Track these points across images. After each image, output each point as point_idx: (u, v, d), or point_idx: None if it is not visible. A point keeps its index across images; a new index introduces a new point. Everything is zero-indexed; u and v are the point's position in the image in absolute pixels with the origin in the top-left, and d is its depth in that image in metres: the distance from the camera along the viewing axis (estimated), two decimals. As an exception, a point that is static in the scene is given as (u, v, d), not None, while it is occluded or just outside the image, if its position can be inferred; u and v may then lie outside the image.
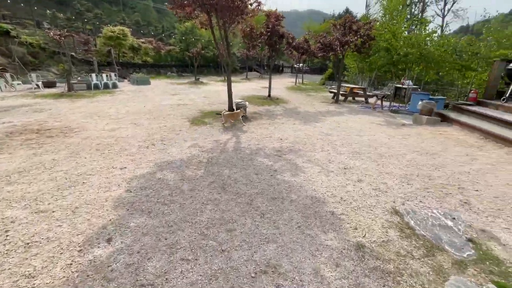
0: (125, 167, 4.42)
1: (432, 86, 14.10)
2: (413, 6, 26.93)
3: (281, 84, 23.44)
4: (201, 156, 5.06)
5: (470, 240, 2.78)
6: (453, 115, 7.98)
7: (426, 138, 6.54)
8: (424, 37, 9.12)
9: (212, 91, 15.81)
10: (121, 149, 5.30)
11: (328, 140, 6.23)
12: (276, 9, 11.97)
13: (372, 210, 3.32)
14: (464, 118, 7.50)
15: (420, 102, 8.10)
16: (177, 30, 30.95)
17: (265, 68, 41.49)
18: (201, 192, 3.67)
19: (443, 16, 27.32)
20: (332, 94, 14.80)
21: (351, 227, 2.97)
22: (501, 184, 4.11)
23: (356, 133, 7.02)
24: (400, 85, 14.26)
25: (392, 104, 11.33)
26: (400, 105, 11.84)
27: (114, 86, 15.71)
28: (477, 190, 3.90)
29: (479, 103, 8.26)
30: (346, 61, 22.90)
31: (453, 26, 60.70)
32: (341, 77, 12.15)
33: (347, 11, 52.29)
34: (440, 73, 10.71)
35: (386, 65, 10.20)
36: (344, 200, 3.55)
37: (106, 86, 15.21)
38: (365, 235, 2.83)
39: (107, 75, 16.01)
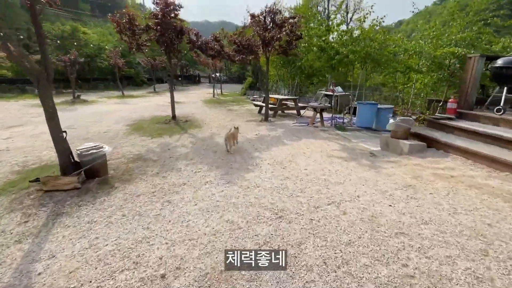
0: None
1: (365, 92, 12.62)
2: (319, 15, 27.26)
3: (197, 97, 19.34)
4: None
5: None
6: (438, 135, 5.60)
7: (446, 194, 3.68)
8: (369, 32, 6.88)
9: (86, 116, 10.45)
10: None
11: (283, 239, 2.64)
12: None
13: None
14: (460, 142, 5.13)
15: (391, 121, 5.51)
16: (48, 33, 22.96)
17: (179, 79, 36.46)
18: None
19: (347, 24, 28.69)
20: (257, 108, 11.67)
21: None
22: None
23: (329, 194, 3.67)
24: (330, 93, 12.28)
25: (333, 117, 8.81)
26: (338, 116, 9.53)
27: None
28: None
29: (460, 116, 6.26)
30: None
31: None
32: (265, 87, 9.01)
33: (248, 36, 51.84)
34: (381, 76, 8.86)
35: (325, 68, 7.58)
36: None
37: None
38: None
39: None
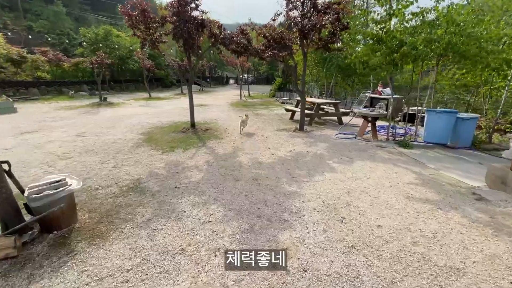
0: None
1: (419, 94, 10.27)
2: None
3: (224, 99, 18.10)
4: None
5: None
6: None
7: None
8: (457, 13, 4.78)
9: (105, 120, 9.54)
10: None
11: None
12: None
13: None
14: None
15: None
16: (84, 37, 23.33)
17: (208, 80, 35.88)
18: None
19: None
20: (289, 113, 9.94)
21: None
22: None
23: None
24: (377, 95, 10.13)
25: (392, 127, 6.75)
26: (396, 126, 7.42)
27: None
28: None
29: None
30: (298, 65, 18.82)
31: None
32: (301, 89, 7.24)
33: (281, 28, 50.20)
34: (457, 75, 6.59)
35: (383, 65, 5.61)
36: None
37: None
38: None
39: None
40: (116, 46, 24.44)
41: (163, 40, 7.25)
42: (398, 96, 9.49)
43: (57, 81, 22.52)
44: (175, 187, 3.80)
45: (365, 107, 10.28)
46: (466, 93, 8.07)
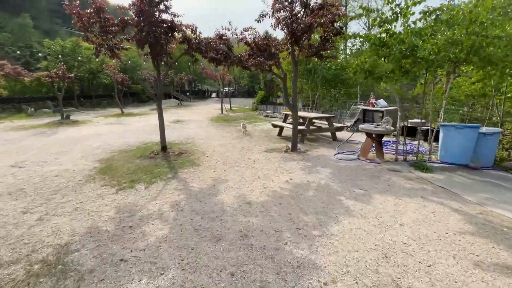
0: None
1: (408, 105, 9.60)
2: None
3: (204, 114, 16.74)
4: None
5: None
6: None
7: None
8: (482, 9, 3.94)
9: (59, 143, 7.82)
10: None
11: None
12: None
13: None
14: None
15: None
16: (48, 49, 21.22)
17: (187, 94, 34.42)
18: None
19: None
20: (276, 128, 8.83)
21: None
22: None
23: None
24: (369, 107, 9.32)
25: (394, 143, 5.78)
26: (396, 141, 6.48)
27: None
28: None
29: None
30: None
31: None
32: (288, 101, 6.13)
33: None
34: (467, 83, 5.79)
35: (391, 73, 4.66)
36: None
37: None
38: None
39: None
40: (86, 60, 22.48)
41: (125, 47, 5.90)
42: (393, 107, 8.72)
43: (16, 97, 20.07)
44: (121, 260, 2.40)
45: (357, 120, 9.41)
46: (478, 102, 7.32)
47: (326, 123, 7.70)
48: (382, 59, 4.73)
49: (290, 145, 6.47)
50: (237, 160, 5.71)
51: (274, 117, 14.94)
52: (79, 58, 21.57)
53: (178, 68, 34.87)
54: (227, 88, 27.33)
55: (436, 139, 6.65)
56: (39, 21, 46.34)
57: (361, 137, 7.44)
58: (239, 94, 39.43)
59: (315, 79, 13.28)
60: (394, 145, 5.58)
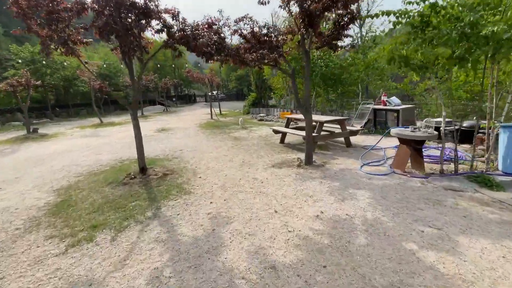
0: None
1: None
2: None
3: (192, 120, 15.24)
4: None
5: None
6: None
7: None
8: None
9: (14, 165, 6.16)
10: None
11: None
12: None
13: None
14: None
15: None
16: (15, 56, 19.04)
17: (173, 99, 32.64)
18: None
19: None
20: (275, 133, 7.58)
21: None
22: None
23: None
24: (381, 106, 8.20)
25: (449, 149, 4.59)
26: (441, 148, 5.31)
27: None
28: None
29: None
30: (273, 78, 16.71)
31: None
32: (299, 103, 4.83)
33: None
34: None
35: (441, 61, 3.53)
36: None
37: None
38: None
39: None
40: (59, 66, 20.42)
41: (84, 40, 4.44)
42: (408, 105, 7.63)
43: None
44: None
45: (368, 121, 8.27)
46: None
47: (339, 127, 6.49)
48: (430, 43, 3.52)
49: (301, 156, 5.18)
50: (239, 181, 4.36)
51: (269, 121, 13.67)
52: (53, 65, 19.50)
53: (162, 72, 33.08)
54: (215, 92, 25.89)
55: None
56: (11, 28, 43.07)
57: (374, 141, 6.26)
58: (228, 97, 38.02)
59: (315, 78, 12.14)
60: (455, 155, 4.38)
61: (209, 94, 20.27)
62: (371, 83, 11.82)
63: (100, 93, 19.75)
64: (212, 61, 4.79)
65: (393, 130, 4.42)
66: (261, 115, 15.86)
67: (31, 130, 11.53)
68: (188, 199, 3.74)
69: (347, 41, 5.47)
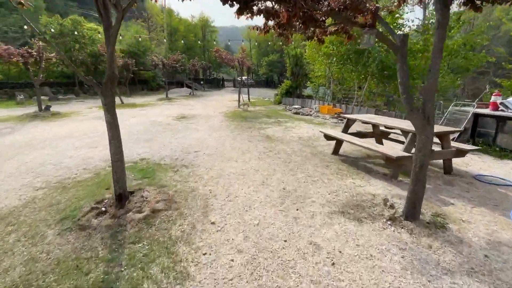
0: None
1: None
2: None
3: (219, 107, 13.26)
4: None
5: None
6: None
7: None
8: None
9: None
10: None
11: None
12: None
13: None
14: None
15: None
16: (45, 28, 18.24)
17: (201, 83, 30.95)
18: None
19: None
20: (328, 140, 5.25)
21: None
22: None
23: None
24: (486, 110, 5.42)
25: None
26: None
27: None
28: None
29: None
30: (315, 64, 13.86)
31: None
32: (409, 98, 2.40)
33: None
34: None
35: None
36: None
37: None
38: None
39: None
40: (88, 41, 19.40)
41: None
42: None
43: (10, 82, 17.40)
44: None
45: (463, 131, 5.56)
46: None
47: (440, 141, 3.98)
48: None
49: (385, 190, 2.86)
50: (283, 249, 2.20)
51: (306, 115, 11.21)
52: (81, 39, 18.48)
53: (191, 53, 31.39)
54: (245, 77, 23.64)
55: None
56: (52, 3, 43.98)
57: (482, 163, 3.71)
58: (257, 84, 35.50)
59: (371, 65, 9.37)
60: None
61: (238, 79, 18.08)
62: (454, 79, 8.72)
63: (126, 72, 18.50)
64: (249, 14, 2.51)
65: None
66: (296, 106, 13.40)
67: (43, 108, 10.32)
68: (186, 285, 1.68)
69: None
